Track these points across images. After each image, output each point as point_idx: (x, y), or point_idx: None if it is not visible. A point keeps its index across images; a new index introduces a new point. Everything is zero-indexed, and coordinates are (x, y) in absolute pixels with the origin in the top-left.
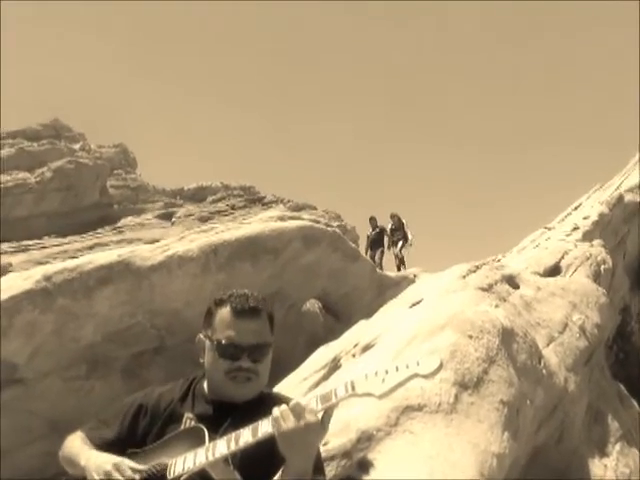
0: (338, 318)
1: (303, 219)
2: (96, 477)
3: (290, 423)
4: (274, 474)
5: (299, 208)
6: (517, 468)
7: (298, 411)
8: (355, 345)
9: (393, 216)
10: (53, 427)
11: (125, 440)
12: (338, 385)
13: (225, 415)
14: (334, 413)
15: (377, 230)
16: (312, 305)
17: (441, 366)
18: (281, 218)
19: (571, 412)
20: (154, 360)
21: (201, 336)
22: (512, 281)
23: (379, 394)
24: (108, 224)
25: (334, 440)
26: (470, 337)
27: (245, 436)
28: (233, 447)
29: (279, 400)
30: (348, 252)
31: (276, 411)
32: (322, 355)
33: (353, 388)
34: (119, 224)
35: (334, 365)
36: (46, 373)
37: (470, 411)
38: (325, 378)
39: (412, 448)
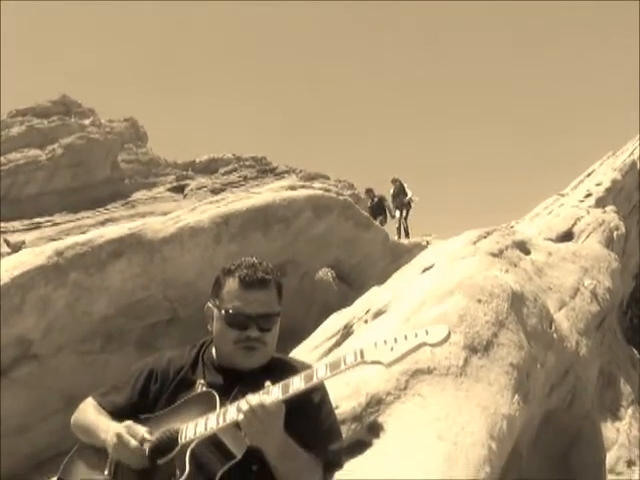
0: (351, 286)
1: (314, 188)
2: (110, 442)
3: (249, 418)
4: None
5: (311, 178)
6: (530, 431)
7: (256, 408)
8: (367, 311)
9: (395, 181)
10: (69, 401)
11: (136, 405)
12: (347, 353)
13: (235, 382)
14: (344, 376)
15: (376, 200)
16: (325, 274)
17: (449, 335)
18: (292, 187)
19: (583, 376)
20: (168, 332)
21: (210, 305)
22: (523, 247)
23: (387, 362)
24: (120, 199)
25: (344, 404)
26: (479, 301)
27: (255, 402)
28: (244, 409)
29: (288, 365)
30: (360, 220)
31: (242, 405)
32: (334, 322)
33: (362, 356)
34: (131, 198)
35: (346, 332)
36: (60, 348)
37: (480, 374)
38: (337, 345)
39: (422, 411)
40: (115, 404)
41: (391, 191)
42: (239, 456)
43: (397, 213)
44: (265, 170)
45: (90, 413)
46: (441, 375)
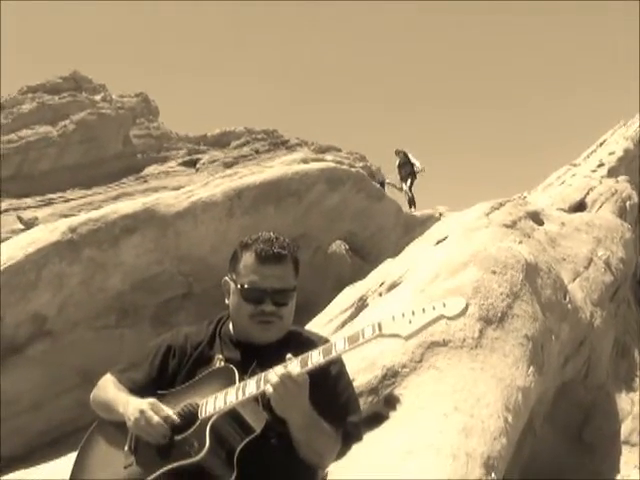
0: (365, 259)
1: (326, 161)
2: (131, 417)
3: (279, 391)
4: None
5: (323, 150)
6: (544, 403)
7: (285, 380)
8: (381, 284)
9: (398, 152)
10: (84, 377)
11: (155, 381)
12: (365, 326)
13: (252, 356)
14: (360, 350)
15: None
16: (338, 247)
17: (467, 308)
18: (304, 160)
19: (597, 347)
20: (182, 306)
21: (227, 278)
22: (536, 217)
23: (405, 335)
24: (132, 174)
25: (360, 377)
26: (494, 273)
27: (273, 377)
28: (262, 387)
29: (306, 338)
30: (372, 192)
31: (271, 377)
32: (349, 295)
33: (380, 329)
34: (143, 173)
35: (361, 304)
36: (75, 324)
37: (495, 346)
38: (352, 318)
39: (437, 383)
40: (134, 380)
41: (396, 162)
42: (258, 430)
43: (403, 185)
44: (277, 143)
45: (110, 389)
46: (456, 347)
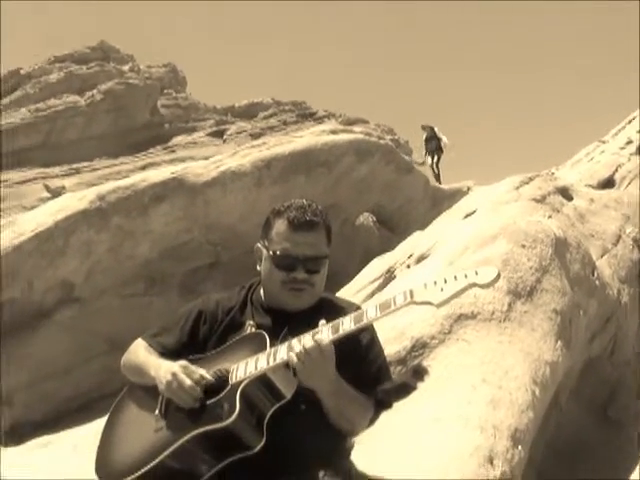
0: (392, 231)
1: (355, 132)
2: (163, 380)
3: (303, 361)
4: None
5: (351, 122)
6: (571, 378)
7: (309, 350)
8: (409, 256)
9: (425, 127)
10: (112, 344)
11: (186, 347)
12: (397, 293)
13: (283, 322)
14: (389, 320)
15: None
16: (366, 219)
17: (499, 276)
18: (333, 131)
19: (624, 324)
20: (210, 275)
21: (259, 245)
22: (565, 193)
23: (437, 303)
24: (159, 144)
25: (389, 347)
26: (523, 246)
27: (307, 342)
28: (296, 350)
29: (337, 306)
30: (401, 164)
31: (295, 347)
32: (377, 266)
33: (412, 296)
34: (170, 143)
35: (389, 276)
36: (103, 291)
37: (523, 319)
38: (380, 289)
39: (465, 355)
40: (165, 345)
41: (423, 137)
42: (288, 396)
43: (429, 159)
44: (304, 115)
45: (141, 353)
46: (485, 320)
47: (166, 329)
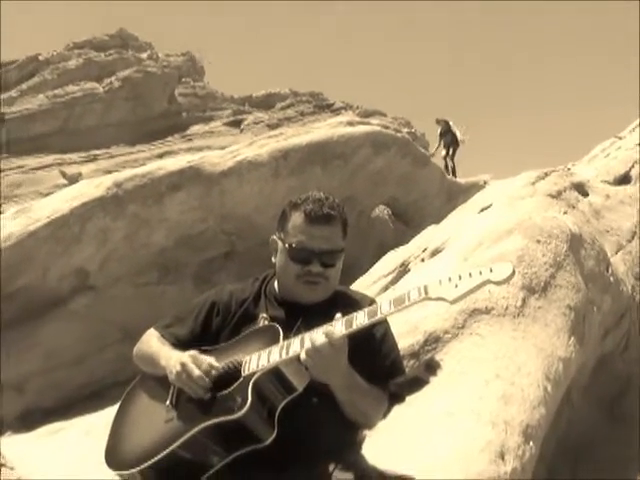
0: (407, 224)
1: (372, 124)
2: (173, 370)
3: (313, 359)
4: None
5: (368, 114)
6: (584, 374)
7: (320, 346)
8: (424, 250)
9: (439, 121)
10: (125, 333)
11: (198, 338)
12: (411, 289)
13: (297, 315)
14: (403, 314)
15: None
16: (381, 211)
17: (513, 273)
18: (350, 123)
19: (637, 320)
20: (225, 265)
21: (275, 237)
22: (581, 188)
23: (451, 299)
24: (177, 132)
25: (402, 341)
26: (538, 242)
27: (319, 336)
28: (306, 347)
29: (351, 299)
30: (418, 157)
31: (306, 343)
32: (391, 260)
33: (426, 292)
34: (188, 132)
35: (403, 269)
36: (117, 279)
37: (537, 315)
38: (393, 282)
39: (479, 350)
40: (177, 336)
41: (438, 130)
42: (300, 389)
43: (443, 152)
44: (322, 106)
45: (153, 343)
46: (499, 315)
47: (179, 319)
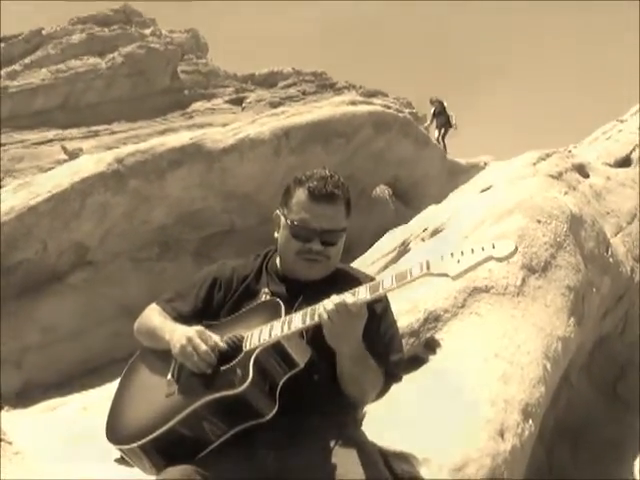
0: (408, 204)
1: (374, 104)
2: (177, 345)
3: (333, 319)
4: None
5: (370, 94)
6: (583, 354)
7: (341, 308)
8: (424, 229)
9: (434, 101)
10: (123, 309)
11: (200, 313)
12: (413, 265)
13: (298, 292)
14: (402, 292)
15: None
16: (382, 191)
17: (516, 250)
18: (353, 103)
19: (637, 303)
20: (224, 242)
21: (278, 212)
22: (582, 170)
23: (453, 275)
24: (178, 109)
25: (402, 319)
26: (538, 222)
27: (321, 312)
28: (308, 322)
29: (352, 277)
30: (419, 138)
31: (323, 306)
32: (391, 239)
33: (428, 267)
34: (189, 109)
35: (403, 249)
36: (117, 255)
37: (537, 295)
38: (394, 261)
39: (478, 329)
40: (179, 311)
41: (431, 110)
42: (302, 365)
43: (436, 132)
44: (324, 85)
45: (155, 317)
46: (498, 294)
47: (181, 295)
